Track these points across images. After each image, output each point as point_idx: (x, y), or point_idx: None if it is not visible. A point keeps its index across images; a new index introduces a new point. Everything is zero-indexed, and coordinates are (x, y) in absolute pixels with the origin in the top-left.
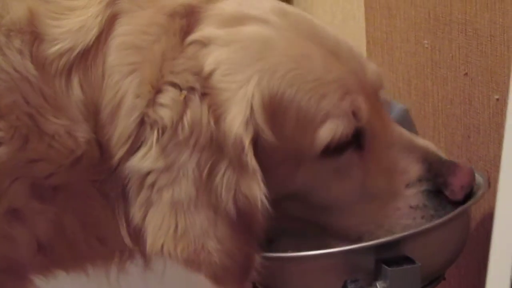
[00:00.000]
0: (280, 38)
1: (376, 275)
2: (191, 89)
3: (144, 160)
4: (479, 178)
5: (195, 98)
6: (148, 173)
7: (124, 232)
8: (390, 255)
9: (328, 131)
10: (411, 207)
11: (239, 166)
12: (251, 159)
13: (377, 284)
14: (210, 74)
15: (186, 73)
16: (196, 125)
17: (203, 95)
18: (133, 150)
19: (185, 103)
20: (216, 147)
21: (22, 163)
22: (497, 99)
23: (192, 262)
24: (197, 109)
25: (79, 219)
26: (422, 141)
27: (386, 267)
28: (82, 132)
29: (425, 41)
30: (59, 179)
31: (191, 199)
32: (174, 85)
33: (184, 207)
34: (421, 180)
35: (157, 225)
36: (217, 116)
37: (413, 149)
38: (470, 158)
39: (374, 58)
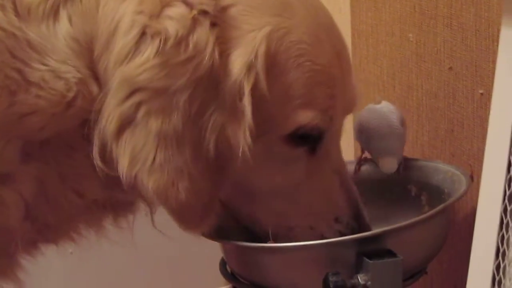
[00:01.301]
0: (302, 10)
1: (358, 268)
2: (204, 12)
3: (140, 69)
4: (460, 176)
5: (205, 23)
6: (140, 88)
7: (95, 153)
8: (372, 248)
9: (306, 116)
10: (323, 236)
11: (230, 110)
12: (247, 106)
13: (359, 277)
14: (226, 8)
15: None
16: (200, 49)
17: (213, 24)
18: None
19: (194, 22)
20: (212, 82)
21: (12, 121)
22: (481, 94)
23: (160, 195)
24: (204, 33)
25: (59, 172)
26: (356, 191)
27: (367, 260)
28: (73, 72)
29: (410, 35)
30: (50, 131)
31: (176, 134)
32: (186, 2)
33: (167, 140)
34: (342, 223)
35: (135, 151)
36: (222, 51)
37: (350, 193)
38: (454, 152)
39: (359, 51)
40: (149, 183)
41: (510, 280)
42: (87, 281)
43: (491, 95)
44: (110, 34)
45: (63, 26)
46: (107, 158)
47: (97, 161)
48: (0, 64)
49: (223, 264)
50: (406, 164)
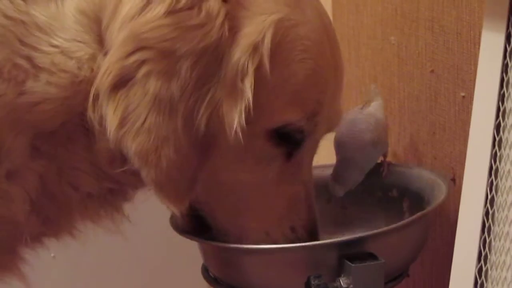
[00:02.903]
0: (311, 10)
1: (339, 271)
2: None
3: (149, 25)
4: (440, 184)
5: None
6: (146, 46)
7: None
8: (354, 252)
9: (295, 115)
10: (273, 241)
11: (230, 87)
12: (248, 87)
13: (340, 280)
14: None
15: None
16: (212, 18)
17: (225, 0)
18: None
19: None
20: (216, 56)
21: (23, 112)
22: (463, 96)
23: (141, 159)
24: (216, 4)
25: (58, 167)
26: (316, 208)
27: (349, 263)
28: (84, 48)
29: (392, 38)
30: (60, 119)
31: (171, 100)
32: None
33: (161, 105)
34: (296, 234)
35: (127, 111)
36: (230, 27)
37: (311, 207)
38: (436, 155)
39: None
40: (133, 145)
41: (492, 283)
42: (69, 285)
43: (473, 98)
44: (118, 1)
45: (72, 0)
46: (97, 111)
47: (90, 112)
48: (9, 54)
49: (205, 268)
50: (390, 169)
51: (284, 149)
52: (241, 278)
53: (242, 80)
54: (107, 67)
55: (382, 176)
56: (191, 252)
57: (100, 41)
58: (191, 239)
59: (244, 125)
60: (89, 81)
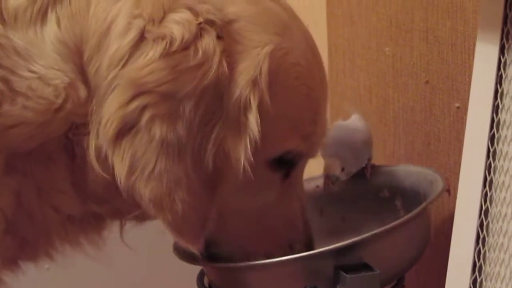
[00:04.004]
0: (297, 33)
1: (335, 282)
2: (210, 21)
3: (145, 70)
4: (435, 175)
5: (212, 32)
6: (146, 91)
7: (93, 158)
8: (349, 262)
9: (295, 141)
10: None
11: (234, 123)
12: (254, 122)
13: None
14: (231, 22)
15: (208, 5)
16: (209, 57)
17: (219, 37)
18: None
19: (201, 30)
20: (217, 93)
21: None
22: (458, 107)
23: (156, 205)
24: (211, 42)
25: (36, 186)
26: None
27: (344, 274)
28: (61, 77)
29: (387, 49)
30: (37, 141)
31: (179, 143)
32: (192, 10)
33: (169, 149)
34: (294, 251)
35: (135, 158)
36: (227, 63)
37: (306, 221)
38: (431, 165)
39: (335, 65)
40: (146, 192)
41: None
42: None
43: (467, 109)
44: (102, 35)
45: (51, 29)
46: (102, 161)
47: (94, 164)
48: None
49: (200, 278)
50: (376, 170)
51: (282, 172)
52: None
53: (246, 115)
54: (108, 117)
55: (368, 177)
56: (185, 265)
57: (80, 71)
58: (193, 263)
59: (251, 158)
60: (67, 110)
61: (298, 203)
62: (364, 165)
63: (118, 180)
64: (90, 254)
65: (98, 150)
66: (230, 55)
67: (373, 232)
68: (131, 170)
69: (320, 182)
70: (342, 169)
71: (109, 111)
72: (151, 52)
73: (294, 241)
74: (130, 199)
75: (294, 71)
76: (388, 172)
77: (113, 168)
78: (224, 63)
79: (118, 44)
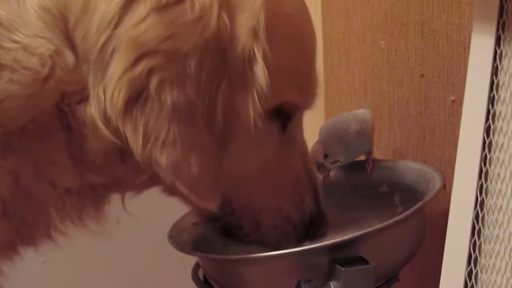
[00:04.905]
0: None
1: (330, 275)
2: None
3: (139, 28)
4: (433, 173)
5: None
6: (149, 51)
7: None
8: (344, 255)
9: (292, 92)
10: (289, 217)
11: (240, 77)
12: (261, 73)
13: (331, 284)
14: None
15: None
16: (206, 9)
17: None
18: None
19: None
20: (219, 48)
21: None
22: (453, 100)
23: (173, 171)
24: None
25: (34, 163)
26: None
27: (339, 267)
28: (46, 45)
29: (382, 42)
30: (28, 115)
31: (189, 106)
32: None
33: (181, 113)
34: (306, 203)
35: (148, 127)
36: (226, 16)
37: (311, 174)
38: (425, 159)
39: (330, 59)
40: (162, 159)
41: (482, 287)
42: None
43: (462, 102)
44: None
45: None
46: (112, 127)
47: (104, 130)
48: None
49: (195, 271)
50: (376, 165)
51: (279, 122)
52: (232, 285)
53: (252, 68)
54: (115, 85)
55: (368, 171)
56: (180, 256)
57: (66, 37)
58: (190, 254)
59: (261, 110)
60: (56, 78)
61: (299, 157)
62: (356, 158)
63: (134, 151)
64: (93, 232)
65: (104, 118)
66: (228, 7)
67: (368, 230)
68: (145, 140)
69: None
70: (326, 156)
71: (115, 78)
72: (141, 8)
73: (303, 192)
74: (147, 167)
75: (288, 22)
76: (388, 167)
77: (125, 139)
78: (224, 15)
79: (105, 6)
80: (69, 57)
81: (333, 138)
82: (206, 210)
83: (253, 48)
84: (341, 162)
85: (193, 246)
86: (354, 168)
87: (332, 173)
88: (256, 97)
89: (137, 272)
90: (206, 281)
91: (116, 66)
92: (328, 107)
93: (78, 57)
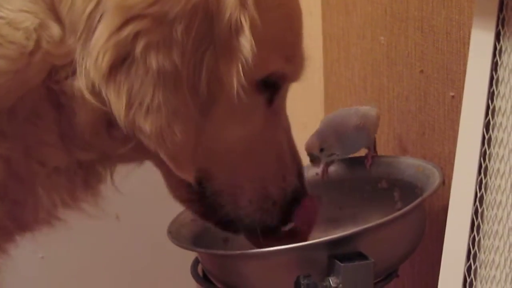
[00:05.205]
0: None
1: (329, 270)
2: None
3: None
4: (433, 170)
5: None
6: (136, 15)
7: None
8: (343, 251)
9: (279, 62)
10: (269, 193)
11: (225, 46)
12: (247, 44)
13: (330, 280)
14: None
15: None
16: None
17: None
18: None
19: None
20: (206, 15)
21: None
22: (453, 96)
23: (157, 138)
24: None
25: (24, 145)
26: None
27: (338, 262)
28: (31, 18)
29: (381, 38)
30: (16, 93)
31: (175, 73)
32: None
33: (167, 80)
34: (288, 182)
35: (132, 92)
36: None
37: (295, 151)
38: (425, 154)
39: (330, 55)
40: (146, 125)
41: (481, 282)
42: (58, 286)
43: (462, 98)
44: None
45: None
46: (97, 95)
47: (90, 99)
48: None
49: (194, 266)
50: (375, 161)
51: (266, 95)
52: (231, 280)
53: (238, 39)
54: (100, 49)
55: (367, 167)
56: (179, 251)
57: (53, 11)
58: (189, 249)
59: (244, 82)
60: (42, 51)
61: (284, 134)
62: (355, 152)
63: (117, 116)
64: (90, 214)
65: (91, 85)
66: None
67: (368, 225)
68: (129, 105)
69: (319, 170)
70: (321, 150)
71: (100, 42)
72: None
73: (285, 172)
74: (131, 134)
75: None
76: (388, 163)
77: (109, 104)
78: None
79: None
80: (55, 30)
81: (330, 131)
82: (184, 187)
83: (239, 18)
84: (337, 155)
85: (192, 241)
86: (354, 164)
87: (331, 169)
88: (240, 68)
89: (136, 268)
90: (205, 276)
91: (102, 31)
92: (328, 103)
93: (65, 30)
